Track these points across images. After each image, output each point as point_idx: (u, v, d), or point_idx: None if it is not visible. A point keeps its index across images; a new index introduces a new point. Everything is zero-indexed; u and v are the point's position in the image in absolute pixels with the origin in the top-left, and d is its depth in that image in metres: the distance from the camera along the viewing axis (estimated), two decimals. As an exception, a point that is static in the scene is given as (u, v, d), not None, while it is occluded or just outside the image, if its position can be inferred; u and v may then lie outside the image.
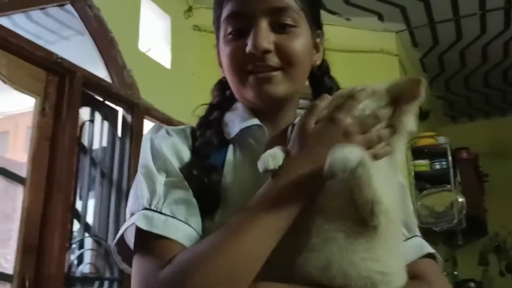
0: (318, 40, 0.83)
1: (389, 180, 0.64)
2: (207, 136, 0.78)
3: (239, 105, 0.82)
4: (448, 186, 4.15)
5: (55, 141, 2.17)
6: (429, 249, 0.78)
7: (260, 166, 0.64)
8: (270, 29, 0.73)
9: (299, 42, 0.75)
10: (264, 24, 0.72)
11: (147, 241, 0.64)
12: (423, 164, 4.21)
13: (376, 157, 0.63)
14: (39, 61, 2.16)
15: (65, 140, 2.18)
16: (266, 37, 0.72)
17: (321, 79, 0.85)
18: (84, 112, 2.53)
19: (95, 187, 2.53)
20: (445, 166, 4.23)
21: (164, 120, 3.04)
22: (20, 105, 3.96)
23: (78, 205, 2.38)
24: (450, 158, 4.24)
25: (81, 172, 2.43)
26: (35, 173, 2.07)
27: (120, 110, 2.77)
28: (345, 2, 3.57)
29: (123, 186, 2.57)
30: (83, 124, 2.49)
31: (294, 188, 0.62)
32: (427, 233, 3.65)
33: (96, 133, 2.59)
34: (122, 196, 2.55)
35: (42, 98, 2.18)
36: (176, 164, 0.73)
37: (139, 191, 0.70)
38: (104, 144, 2.63)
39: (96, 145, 2.60)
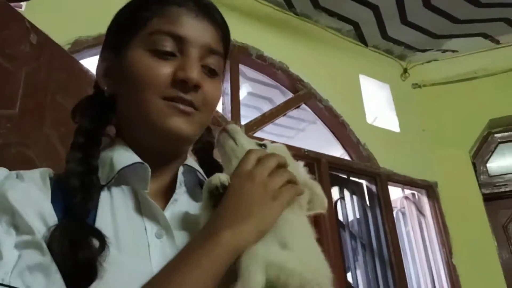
0: None
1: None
2: (84, 187, 0.61)
3: (117, 141, 0.70)
4: None
5: (317, 221, 2.48)
6: None
7: (208, 185, 0.60)
8: (200, 65, 0.67)
9: (219, 91, 0.71)
10: (197, 57, 0.66)
11: None
12: None
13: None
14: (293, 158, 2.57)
15: (326, 219, 2.47)
16: (200, 73, 0.65)
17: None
18: (334, 191, 2.83)
19: (359, 258, 2.73)
20: None
21: (406, 182, 3.11)
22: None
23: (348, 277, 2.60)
24: None
25: (344, 246, 2.68)
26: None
27: (364, 183, 2.98)
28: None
29: (384, 255, 2.70)
30: (336, 202, 2.78)
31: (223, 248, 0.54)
32: None
33: (348, 208, 2.83)
34: (386, 265, 2.67)
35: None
36: (30, 217, 0.56)
37: None
38: (357, 216, 2.85)
39: (350, 218, 2.84)
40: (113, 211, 0.62)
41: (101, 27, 2.11)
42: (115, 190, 0.65)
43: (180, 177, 0.68)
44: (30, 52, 1.31)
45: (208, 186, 0.60)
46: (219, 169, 0.71)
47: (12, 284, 0.49)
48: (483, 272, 3.03)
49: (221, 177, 0.60)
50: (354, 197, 2.88)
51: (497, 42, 3.50)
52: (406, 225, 3.22)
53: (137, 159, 0.65)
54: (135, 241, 0.60)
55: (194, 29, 0.66)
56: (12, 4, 1.57)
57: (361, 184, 2.97)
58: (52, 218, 0.58)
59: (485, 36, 3.42)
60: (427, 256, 3.11)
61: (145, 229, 0.62)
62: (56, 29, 1.73)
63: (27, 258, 0.52)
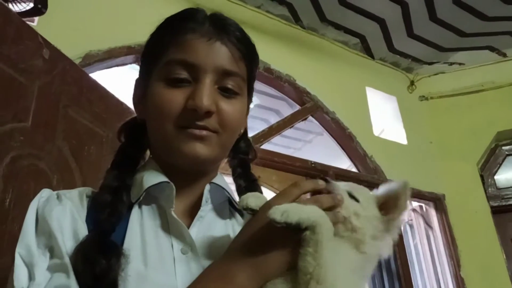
0: (249, 107, 0.79)
1: (353, 273, 0.59)
2: (111, 204, 0.65)
3: (149, 162, 0.74)
4: None
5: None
6: None
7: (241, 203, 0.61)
8: (215, 88, 0.68)
9: (239, 110, 0.70)
10: (210, 81, 0.67)
11: None
12: None
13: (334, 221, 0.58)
14: (299, 170, 2.60)
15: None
16: (211, 97, 0.66)
17: (238, 142, 0.78)
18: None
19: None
20: None
21: (413, 194, 3.10)
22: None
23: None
24: None
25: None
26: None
27: (371, 195, 2.97)
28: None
29: (392, 267, 2.69)
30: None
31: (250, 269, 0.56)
32: None
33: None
34: (394, 277, 2.66)
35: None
36: (65, 240, 0.59)
37: (14, 280, 0.56)
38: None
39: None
40: (142, 228, 0.66)
41: (111, 41, 2.17)
42: (145, 208, 0.68)
43: (206, 195, 0.70)
44: (43, 66, 1.34)
45: (240, 205, 0.62)
46: (254, 184, 0.76)
47: None
48: (491, 285, 3.01)
49: (249, 202, 0.61)
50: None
51: (504, 55, 3.50)
52: (414, 237, 3.20)
53: (163, 178, 0.68)
54: (161, 256, 0.63)
55: (206, 54, 0.67)
56: (25, 19, 1.61)
57: (368, 196, 2.96)
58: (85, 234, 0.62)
59: (492, 49, 3.43)
60: (435, 269, 3.09)
61: (172, 245, 0.65)
62: (67, 43, 1.77)
63: (55, 280, 0.55)
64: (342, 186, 0.65)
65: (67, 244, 0.59)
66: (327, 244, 0.53)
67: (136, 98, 0.75)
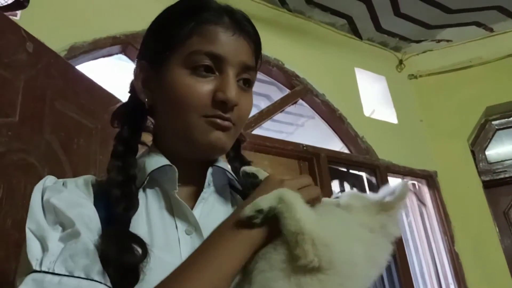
0: None
1: (348, 227, 0.63)
2: (126, 197, 0.66)
3: (152, 149, 0.75)
4: None
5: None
6: None
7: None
8: (235, 81, 0.70)
9: (251, 103, 0.74)
10: (233, 74, 0.69)
11: None
12: None
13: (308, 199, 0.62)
14: (291, 154, 2.61)
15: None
16: (237, 91, 0.69)
17: None
18: (334, 185, 2.85)
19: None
20: None
21: (405, 172, 3.13)
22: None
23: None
24: None
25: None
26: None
27: (364, 175, 3.01)
28: None
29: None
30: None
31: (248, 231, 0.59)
32: None
33: (349, 201, 2.85)
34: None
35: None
36: (72, 214, 0.60)
37: (28, 253, 0.56)
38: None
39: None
40: (148, 211, 0.68)
41: (96, 32, 2.14)
42: (149, 191, 0.70)
43: (209, 177, 0.72)
44: (27, 60, 1.34)
45: (242, 171, 0.69)
46: (249, 165, 0.78)
47: (56, 272, 0.53)
48: (485, 259, 3.06)
49: (251, 169, 0.69)
50: (355, 189, 2.90)
51: (491, 30, 3.51)
52: (408, 215, 3.24)
53: (165, 161, 0.70)
54: (166, 238, 0.65)
55: (231, 48, 0.69)
56: (7, 13, 1.59)
57: (361, 177, 2.99)
58: (95, 218, 0.63)
59: (479, 24, 3.43)
60: (429, 245, 3.13)
61: (176, 226, 0.67)
62: (52, 36, 1.75)
63: (70, 248, 0.56)
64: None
65: (77, 219, 0.59)
66: (301, 206, 0.58)
67: (141, 82, 0.73)
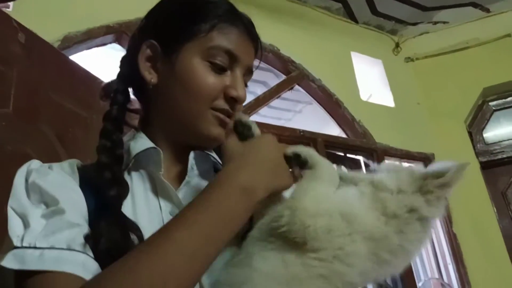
0: None
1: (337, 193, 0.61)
2: (117, 180, 0.66)
3: (138, 133, 0.75)
4: None
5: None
6: None
7: None
8: None
9: None
10: (241, 76, 0.74)
11: (26, 284, 0.53)
12: None
13: None
14: (288, 140, 2.61)
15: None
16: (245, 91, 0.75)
17: None
18: (332, 169, 2.86)
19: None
20: None
21: (403, 155, 3.14)
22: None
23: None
24: None
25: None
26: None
27: (361, 159, 3.02)
28: None
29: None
30: (334, 180, 2.82)
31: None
32: None
33: (347, 185, 2.87)
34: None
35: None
36: (57, 193, 0.60)
37: (9, 230, 0.56)
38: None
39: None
40: (132, 193, 0.68)
41: (89, 22, 2.14)
42: (134, 174, 0.71)
43: (191, 161, 0.73)
44: (20, 51, 1.34)
45: (236, 119, 0.70)
46: None
47: (37, 246, 0.53)
48: (483, 239, 3.09)
49: (247, 119, 0.69)
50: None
51: (487, 11, 3.49)
52: (406, 198, 3.25)
53: (150, 144, 0.71)
54: (151, 218, 0.66)
55: (244, 50, 0.74)
56: (-1, 5, 1.59)
57: (358, 161, 3.00)
58: (81, 201, 0.62)
59: (475, 5, 3.41)
60: (427, 227, 3.15)
61: (160, 207, 0.68)
62: (45, 27, 1.75)
63: (53, 224, 0.56)
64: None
65: (61, 197, 0.59)
66: (325, 183, 0.60)
67: (146, 57, 0.73)
